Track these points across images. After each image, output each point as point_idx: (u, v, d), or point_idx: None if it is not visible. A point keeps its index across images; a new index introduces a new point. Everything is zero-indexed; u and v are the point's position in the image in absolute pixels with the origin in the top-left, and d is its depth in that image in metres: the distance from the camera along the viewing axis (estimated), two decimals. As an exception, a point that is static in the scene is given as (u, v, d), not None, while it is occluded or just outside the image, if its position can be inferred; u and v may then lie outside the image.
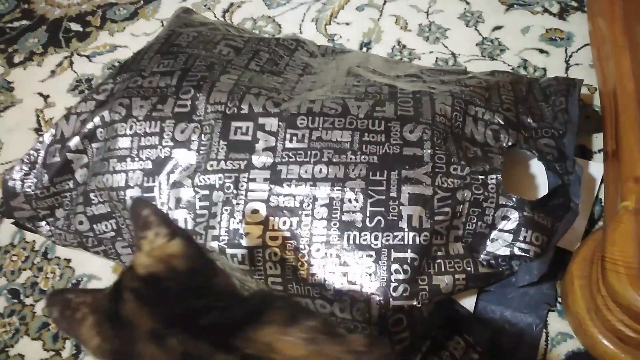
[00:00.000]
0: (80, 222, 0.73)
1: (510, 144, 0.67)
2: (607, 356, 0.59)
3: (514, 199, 0.63)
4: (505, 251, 0.62)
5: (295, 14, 1.10)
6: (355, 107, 0.67)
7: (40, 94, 1.03)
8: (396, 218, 0.61)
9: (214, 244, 0.65)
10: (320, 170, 0.63)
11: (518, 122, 0.70)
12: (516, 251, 0.62)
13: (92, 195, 0.72)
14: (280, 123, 0.66)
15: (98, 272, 0.78)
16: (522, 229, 0.62)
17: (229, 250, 0.65)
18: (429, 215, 0.61)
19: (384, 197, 0.62)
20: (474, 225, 0.62)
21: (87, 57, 1.09)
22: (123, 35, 1.12)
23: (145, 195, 0.69)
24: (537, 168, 0.73)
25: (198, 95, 0.70)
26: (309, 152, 0.64)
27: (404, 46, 1.00)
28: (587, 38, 0.95)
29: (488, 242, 0.63)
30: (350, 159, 0.63)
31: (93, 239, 0.74)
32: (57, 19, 1.19)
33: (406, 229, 0.61)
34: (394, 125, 0.65)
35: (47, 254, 0.82)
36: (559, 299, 0.67)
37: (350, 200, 0.62)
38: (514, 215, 0.62)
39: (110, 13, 1.18)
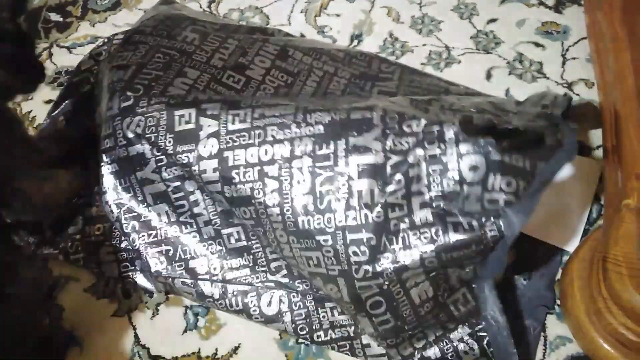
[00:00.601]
0: (75, 224, 0.72)
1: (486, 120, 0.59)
2: (608, 361, 0.57)
3: (480, 144, 0.54)
4: (477, 206, 0.54)
5: (284, 4, 1.06)
6: (305, 86, 0.65)
7: (18, 87, 0.98)
8: (347, 196, 0.56)
9: (208, 229, 0.66)
10: (266, 152, 0.59)
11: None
12: (485, 204, 0.54)
13: None
14: (222, 106, 0.62)
15: (76, 272, 0.74)
16: (490, 174, 0.54)
17: (224, 231, 0.66)
18: (381, 187, 0.55)
19: (332, 174, 0.57)
20: (439, 185, 0.55)
21: (67, 48, 1.04)
22: (105, 26, 1.08)
23: (121, 195, 0.67)
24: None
25: (147, 92, 0.65)
26: (252, 133, 0.60)
27: (396, 39, 0.97)
28: (583, 31, 0.92)
29: (464, 201, 0.55)
30: (295, 132, 0.58)
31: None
32: (36, 9, 1.14)
33: (357, 207, 0.56)
34: (342, 95, 0.62)
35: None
36: (558, 302, 0.64)
37: (299, 182, 0.58)
38: (481, 161, 0.54)
39: (92, 3, 1.13)
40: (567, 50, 0.91)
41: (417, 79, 0.81)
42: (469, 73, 0.87)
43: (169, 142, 0.63)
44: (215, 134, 0.61)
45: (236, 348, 0.64)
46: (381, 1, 1.04)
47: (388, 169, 0.55)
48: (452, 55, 0.93)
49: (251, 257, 0.64)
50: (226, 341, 0.65)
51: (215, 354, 0.64)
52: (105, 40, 0.84)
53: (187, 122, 0.62)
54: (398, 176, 0.55)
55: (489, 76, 0.89)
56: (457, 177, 0.55)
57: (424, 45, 0.95)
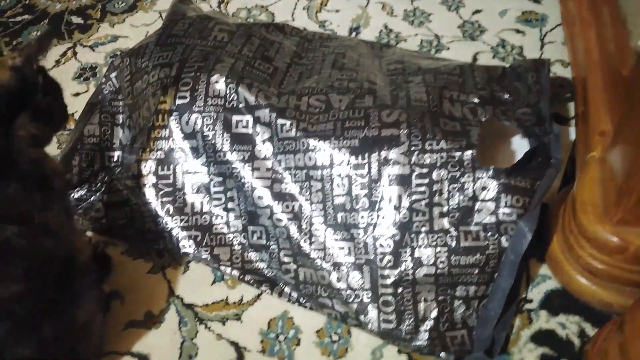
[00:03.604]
0: (98, 210, 0.80)
1: (487, 117, 0.73)
2: (581, 289, 0.66)
3: (490, 170, 0.67)
4: (492, 218, 0.67)
5: (288, 2, 1.16)
6: (337, 101, 0.74)
7: (47, 82, 1.08)
8: (378, 199, 0.68)
9: (237, 222, 0.75)
10: (310, 159, 0.70)
11: (493, 98, 0.77)
12: (501, 216, 0.66)
13: (112, 183, 0.79)
14: (271, 114, 0.73)
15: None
16: (502, 195, 0.67)
17: (250, 227, 0.74)
18: (408, 194, 0.67)
19: (366, 181, 0.68)
20: (457, 200, 0.67)
21: (90, 47, 1.14)
22: (123, 26, 1.18)
23: (161, 182, 0.76)
24: (519, 143, 0.79)
25: (197, 87, 0.75)
26: (298, 142, 0.71)
27: (391, 30, 1.07)
28: (559, 18, 1.03)
29: (475, 214, 0.67)
30: (335, 144, 0.69)
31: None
32: (58, 13, 1.24)
33: (387, 208, 0.67)
34: (373, 111, 0.71)
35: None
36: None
37: (338, 185, 0.69)
38: (493, 184, 0.67)
39: (110, 6, 1.23)
40: (545, 35, 1.01)
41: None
42: (456, 58, 0.97)
43: (226, 140, 0.73)
44: (270, 139, 0.72)
45: (259, 295, 0.74)
46: (376, -3, 1.14)
47: (414, 179, 0.67)
48: (441, 43, 1.03)
49: (267, 255, 0.73)
50: (250, 289, 0.74)
51: (241, 300, 0.73)
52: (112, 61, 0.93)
53: (244, 127, 0.73)
54: (422, 188, 0.67)
55: (474, 60, 0.99)
56: (470, 195, 0.67)
57: (416, 35, 1.05)
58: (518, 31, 1.03)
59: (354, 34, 1.07)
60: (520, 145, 0.79)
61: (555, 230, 0.70)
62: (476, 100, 0.75)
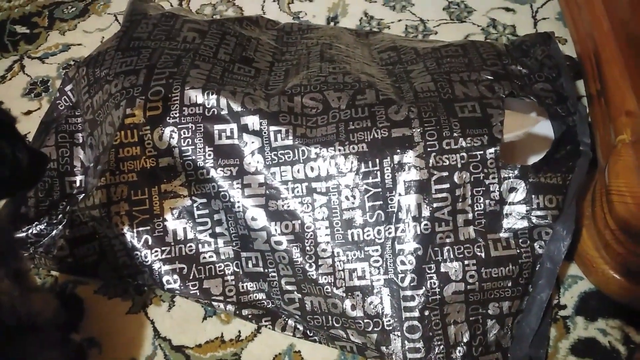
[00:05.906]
0: (61, 247, 0.68)
1: (507, 92, 0.65)
2: (622, 291, 0.59)
3: (516, 169, 0.60)
4: (523, 223, 0.59)
5: (256, -6, 1.06)
6: (335, 99, 0.65)
7: (-8, 102, 0.96)
8: (395, 209, 0.59)
9: (228, 249, 0.65)
10: (312, 169, 0.61)
11: (507, 73, 0.69)
12: (534, 220, 0.59)
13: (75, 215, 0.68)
14: (262, 121, 0.63)
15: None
16: (533, 196, 0.59)
17: (243, 254, 0.64)
18: (428, 202, 0.59)
19: (380, 190, 0.59)
20: (482, 205, 0.59)
21: (39, 58, 1.02)
22: (75, 33, 1.06)
23: (136, 209, 0.65)
24: (542, 126, 0.70)
25: (169, 95, 0.65)
26: (296, 150, 0.62)
27: (372, 17, 0.98)
28: (550, -8, 0.96)
29: (503, 219, 0.59)
30: (339, 150, 0.60)
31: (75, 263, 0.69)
32: None
33: (406, 220, 0.59)
34: (378, 108, 0.62)
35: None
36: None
37: (347, 198, 0.60)
38: (521, 185, 0.60)
39: (58, 12, 1.11)
40: (537, 11, 0.94)
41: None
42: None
43: (209, 155, 0.63)
44: (260, 150, 0.62)
45: (259, 328, 0.64)
46: (352, -18, 1.05)
47: (433, 184, 0.59)
48: (428, 27, 0.95)
49: (266, 284, 0.64)
50: (247, 322, 0.65)
51: (239, 336, 0.64)
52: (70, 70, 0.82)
53: (229, 137, 0.63)
54: (444, 194, 0.59)
55: (466, 43, 0.91)
56: (497, 198, 0.59)
57: (400, 20, 0.97)
58: (508, 9, 0.96)
59: (332, 24, 0.98)
60: (544, 128, 0.70)
61: (584, 224, 0.63)
62: (489, 76, 0.67)
